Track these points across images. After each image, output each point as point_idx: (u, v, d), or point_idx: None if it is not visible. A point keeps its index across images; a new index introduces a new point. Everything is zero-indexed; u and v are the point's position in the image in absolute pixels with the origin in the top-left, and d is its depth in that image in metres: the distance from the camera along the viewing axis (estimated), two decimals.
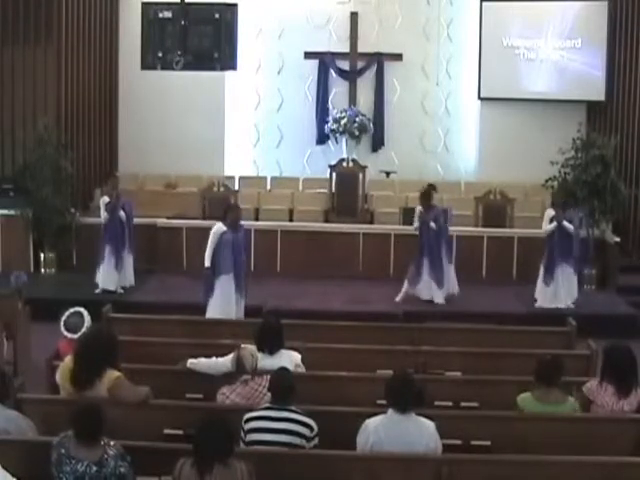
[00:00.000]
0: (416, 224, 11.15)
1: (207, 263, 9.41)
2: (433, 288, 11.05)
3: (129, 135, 15.12)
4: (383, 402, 5.35)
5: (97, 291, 11.26)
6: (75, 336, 6.50)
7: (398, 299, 11.07)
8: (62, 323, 6.65)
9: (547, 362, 5.83)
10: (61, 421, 5.07)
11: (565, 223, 10.73)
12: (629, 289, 11.89)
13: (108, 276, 11.30)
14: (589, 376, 6.47)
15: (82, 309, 6.72)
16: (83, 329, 6.51)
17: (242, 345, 6.19)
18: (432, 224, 11.00)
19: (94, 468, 4.61)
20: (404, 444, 5.12)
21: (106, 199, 11.35)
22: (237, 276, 9.49)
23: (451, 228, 11.37)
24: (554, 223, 10.76)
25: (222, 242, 9.36)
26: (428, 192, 11.21)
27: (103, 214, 11.32)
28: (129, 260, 11.47)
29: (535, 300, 11.03)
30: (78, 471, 4.62)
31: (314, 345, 7.16)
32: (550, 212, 10.90)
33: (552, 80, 14.69)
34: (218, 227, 9.44)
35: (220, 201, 13.11)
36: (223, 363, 6.18)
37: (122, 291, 11.31)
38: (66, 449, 4.68)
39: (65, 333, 6.60)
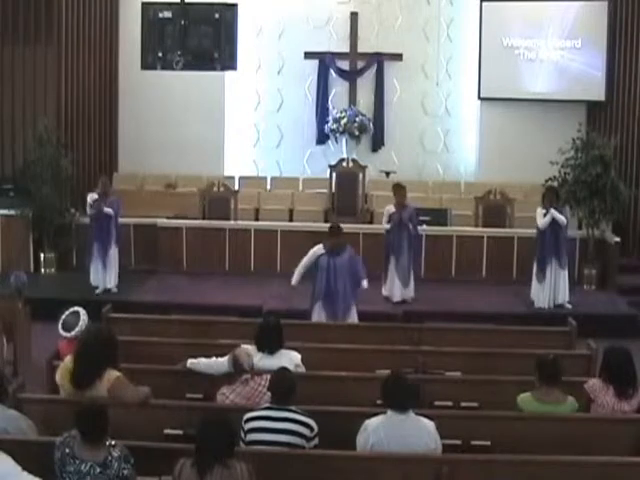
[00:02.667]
0: (389, 224, 10.95)
1: (293, 281, 9.04)
2: (399, 287, 11.04)
3: (129, 135, 15.11)
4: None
5: (97, 292, 11.27)
6: (69, 335, 6.52)
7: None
8: (60, 322, 6.66)
9: (550, 362, 5.83)
10: (61, 421, 5.08)
11: (556, 214, 10.67)
12: (629, 289, 11.89)
13: (95, 275, 11.33)
14: (589, 376, 6.46)
15: (80, 309, 6.72)
16: (77, 328, 6.51)
17: (241, 346, 6.20)
18: (410, 225, 10.90)
19: (98, 469, 4.60)
20: (404, 444, 5.12)
21: (94, 196, 11.30)
22: (330, 304, 8.96)
23: (451, 228, 11.32)
24: (549, 215, 10.70)
25: (317, 265, 8.95)
26: (404, 191, 11.06)
27: (89, 210, 11.32)
28: (115, 260, 11.36)
29: (532, 301, 11.01)
30: (82, 471, 4.60)
31: (314, 345, 7.17)
32: (542, 210, 10.86)
33: (552, 80, 14.68)
34: (318, 248, 9.00)
35: (220, 201, 13.14)
36: (222, 363, 6.17)
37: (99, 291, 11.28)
38: (70, 449, 4.66)
39: (60, 331, 6.60)
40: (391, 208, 11.01)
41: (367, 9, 15.26)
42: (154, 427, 5.57)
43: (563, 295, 10.91)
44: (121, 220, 11.58)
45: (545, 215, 10.73)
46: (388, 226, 10.97)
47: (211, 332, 7.74)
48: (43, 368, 6.61)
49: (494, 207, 13.10)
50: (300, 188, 14.85)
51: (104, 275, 11.30)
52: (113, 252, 11.31)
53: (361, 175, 14.11)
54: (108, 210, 11.18)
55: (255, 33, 15.25)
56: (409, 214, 10.98)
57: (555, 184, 12.26)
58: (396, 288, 11.07)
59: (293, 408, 5.33)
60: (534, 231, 11.49)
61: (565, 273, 10.90)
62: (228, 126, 15.32)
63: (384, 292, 11.15)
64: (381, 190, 14.45)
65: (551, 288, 10.86)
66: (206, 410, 5.46)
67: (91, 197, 11.33)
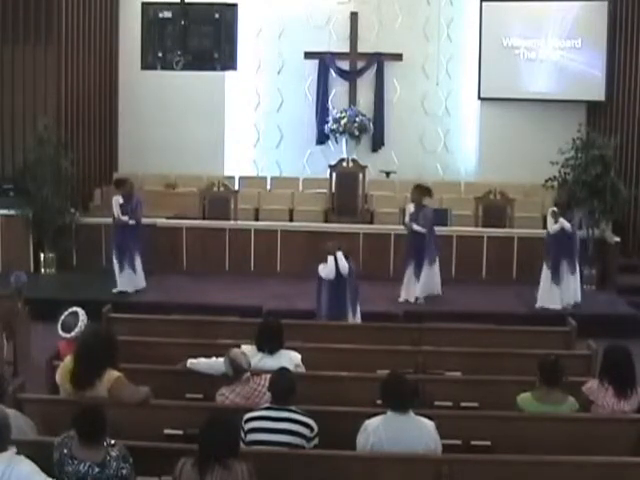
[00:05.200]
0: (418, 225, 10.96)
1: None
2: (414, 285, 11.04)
3: (129, 135, 15.12)
4: None
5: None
6: (68, 335, 6.52)
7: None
8: (59, 323, 6.66)
9: (551, 362, 5.82)
10: (61, 421, 5.07)
11: (565, 223, 10.68)
12: (629, 289, 11.88)
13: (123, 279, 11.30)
14: (589, 376, 6.46)
15: (79, 309, 6.71)
16: (77, 329, 6.51)
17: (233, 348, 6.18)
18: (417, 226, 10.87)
19: (96, 469, 4.60)
20: (404, 444, 5.12)
21: (120, 200, 11.14)
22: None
23: (451, 228, 11.28)
24: (558, 224, 10.69)
25: (323, 282, 9.06)
26: (417, 191, 11.08)
27: (117, 212, 11.14)
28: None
29: (536, 300, 10.97)
30: (80, 472, 4.60)
31: (314, 345, 7.17)
32: (552, 218, 10.82)
33: (552, 80, 14.69)
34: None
35: (220, 201, 13.15)
36: (222, 363, 6.17)
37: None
38: (68, 449, 4.66)
39: (60, 332, 6.60)
40: (410, 208, 11.02)
41: (367, 9, 15.27)
42: (154, 427, 5.57)
43: (575, 296, 10.88)
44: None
45: (556, 222, 10.71)
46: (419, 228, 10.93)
47: (211, 332, 7.74)
48: (43, 368, 6.61)
49: (494, 207, 13.10)
50: (300, 188, 14.84)
51: (134, 277, 11.25)
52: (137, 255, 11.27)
53: (361, 175, 14.11)
54: (132, 222, 11.12)
55: (255, 33, 15.25)
56: (424, 216, 10.90)
57: (555, 184, 12.28)
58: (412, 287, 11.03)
59: (293, 408, 5.33)
60: (534, 231, 11.50)
61: (577, 274, 10.87)
62: (228, 126, 15.32)
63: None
64: (381, 190, 14.49)
65: (565, 289, 10.82)
66: (206, 410, 5.45)
67: (116, 201, 11.15)
